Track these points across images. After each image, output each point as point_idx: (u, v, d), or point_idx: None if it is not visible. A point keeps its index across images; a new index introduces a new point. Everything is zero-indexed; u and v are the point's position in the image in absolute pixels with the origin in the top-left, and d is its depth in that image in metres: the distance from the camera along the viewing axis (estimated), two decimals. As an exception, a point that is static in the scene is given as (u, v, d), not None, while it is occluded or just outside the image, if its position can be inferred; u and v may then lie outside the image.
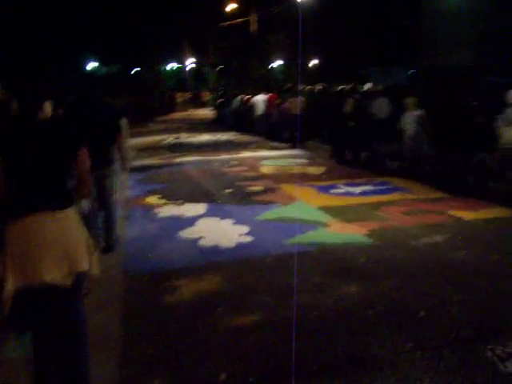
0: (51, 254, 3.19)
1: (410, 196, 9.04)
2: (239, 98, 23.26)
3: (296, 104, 16.79)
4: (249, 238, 6.76)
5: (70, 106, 6.81)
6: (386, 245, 6.35)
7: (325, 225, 7.32)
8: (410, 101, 10.98)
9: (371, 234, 6.77)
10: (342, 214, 7.89)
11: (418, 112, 10.73)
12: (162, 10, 39.41)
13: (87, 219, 6.18)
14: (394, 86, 19.68)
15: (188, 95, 46.14)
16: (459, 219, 7.45)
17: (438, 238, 6.55)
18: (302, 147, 15.61)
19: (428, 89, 17.16)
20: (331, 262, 5.79)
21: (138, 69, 48.00)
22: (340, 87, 15.72)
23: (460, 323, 4.24)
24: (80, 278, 3.34)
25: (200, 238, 6.85)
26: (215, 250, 6.38)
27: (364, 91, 14.05)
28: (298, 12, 32.69)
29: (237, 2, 37.30)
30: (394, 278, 5.26)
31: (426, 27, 24.56)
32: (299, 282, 5.18)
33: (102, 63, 42.72)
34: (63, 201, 3.30)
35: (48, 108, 3.39)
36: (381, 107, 12.37)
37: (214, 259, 6.04)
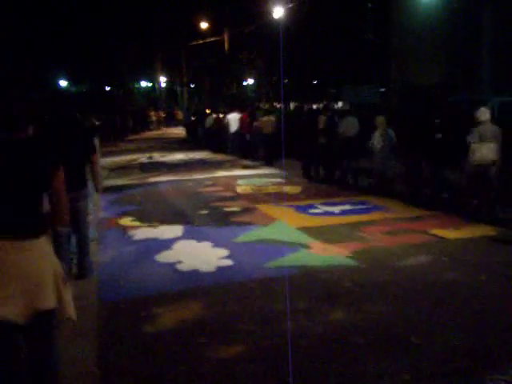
0: (8, 287, 2.86)
1: (389, 215, 8.92)
2: (212, 116, 23.11)
3: (267, 123, 16.93)
4: (229, 262, 6.53)
5: (41, 124, 6.55)
6: (370, 267, 6.18)
7: (306, 246, 7.12)
8: (379, 119, 11.11)
9: (354, 256, 6.59)
10: (322, 234, 7.71)
11: (387, 130, 10.95)
12: (134, 28, 39.13)
13: (59, 244, 5.92)
14: (364, 104, 19.94)
15: (162, 114, 45.63)
16: (442, 238, 7.33)
17: (423, 259, 6.41)
18: (277, 166, 15.49)
19: (398, 107, 17.31)
20: (316, 286, 5.59)
21: (109, 88, 47.66)
22: (314, 105, 16.03)
23: (455, 350, 4.07)
24: (44, 317, 2.99)
25: (178, 261, 6.58)
26: (194, 274, 6.12)
27: (335, 109, 14.22)
28: (271, 31, 32.77)
29: (209, 21, 37.33)
30: (383, 303, 5.08)
31: (396, 45, 24.84)
32: (284, 307, 4.96)
33: (71, 81, 42.22)
34: (34, 228, 2.99)
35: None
36: (349, 126, 12.52)
37: (193, 284, 5.79)
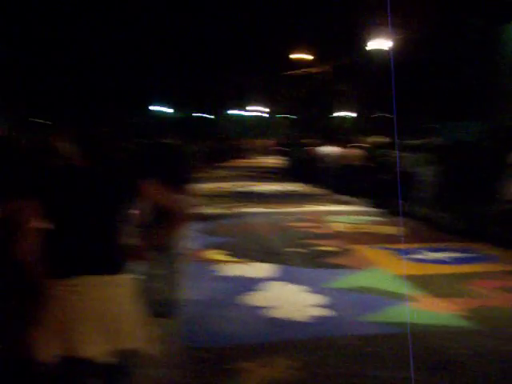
0: (92, 325, 2.56)
1: (506, 267, 7.91)
2: (307, 147, 22.61)
3: (352, 154, 17.03)
4: (323, 311, 5.86)
5: (140, 149, 6.24)
6: (489, 331, 5.31)
7: (410, 299, 6.32)
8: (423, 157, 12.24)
9: (469, 316, 5.74)
10: (428, 285, 6.88)
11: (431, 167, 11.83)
12: (227, 56, 39.43)
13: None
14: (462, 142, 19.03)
15: (258, 142, 45.34)
16: None
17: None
18: (373, 203, 14.62)
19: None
20: (425, 351, 4.81)
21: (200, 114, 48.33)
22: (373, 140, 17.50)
23: None
24: (126, 357, 2.69)
25: (268, 307, 5.98)
26: (286, 323, 5.50)
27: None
28: (366, 63, 32.06)
29: (305, 52, 37.03)
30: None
31: (499, 82, 23.40)
32: (389, 375, 4.25)
33: (171, 106, 42.93)
34: (115, 262, 2.68)
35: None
36: (407, 161, 13.34)
37: (284, 336, 5.16)
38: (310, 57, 34.72)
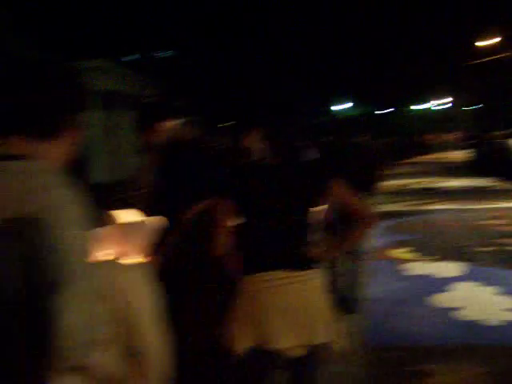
0: (286, 319, 2.65)
1: None
2: (495, 139, 21.27)
3: None
4: (517, 316, 5.47)
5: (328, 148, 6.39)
6: None
7: None
8: None
9: None
10: None
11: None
12: (409, 49, 38.08)
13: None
14: None
15: (442, 137, 43.83)
16: None
17: None
18: None
19: None
20: None
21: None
22: None
23: None
24: (317, 351, 2.75)
25: (457, 308, 5.72)
26: (477, 327, 5.21)
27: None
28: None
29: (491, 37, 34.52)
30: None
31: None
32: None
33: (348, 104, 42.79)
34: (305, 258, 2.75)
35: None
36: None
37: (471, 340, 4.89)
38: (496, 40, 32.28)
